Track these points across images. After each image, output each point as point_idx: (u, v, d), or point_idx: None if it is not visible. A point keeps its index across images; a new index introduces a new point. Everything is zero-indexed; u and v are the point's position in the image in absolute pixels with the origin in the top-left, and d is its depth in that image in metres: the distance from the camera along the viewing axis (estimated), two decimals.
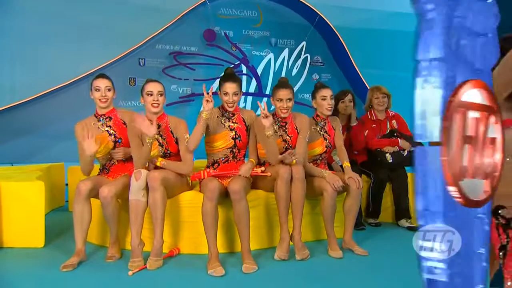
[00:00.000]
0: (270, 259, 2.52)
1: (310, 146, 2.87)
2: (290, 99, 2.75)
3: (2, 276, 2.28)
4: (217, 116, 2.74)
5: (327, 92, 2.88)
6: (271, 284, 2.20)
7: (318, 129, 2.94)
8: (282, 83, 2.81)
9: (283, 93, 2.73)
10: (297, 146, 2.75)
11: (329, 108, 2.89)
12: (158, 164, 2.62)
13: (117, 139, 2.71)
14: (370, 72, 6.66)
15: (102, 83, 2.67)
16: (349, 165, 2.84)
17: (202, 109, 2.53)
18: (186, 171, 2.66)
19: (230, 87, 2.67)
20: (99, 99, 2.68)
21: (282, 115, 2.76)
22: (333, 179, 2.65)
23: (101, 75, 2.76)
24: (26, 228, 2.76)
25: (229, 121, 2.75)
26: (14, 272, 2.37)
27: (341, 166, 2.93)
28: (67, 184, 4.13)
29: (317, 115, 2.96)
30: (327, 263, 2.51)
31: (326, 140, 2.93)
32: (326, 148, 2.93)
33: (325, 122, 2.96)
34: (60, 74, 5.43)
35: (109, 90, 2.69)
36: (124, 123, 2.72)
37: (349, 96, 3.49)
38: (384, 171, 3.35)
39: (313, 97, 2.96)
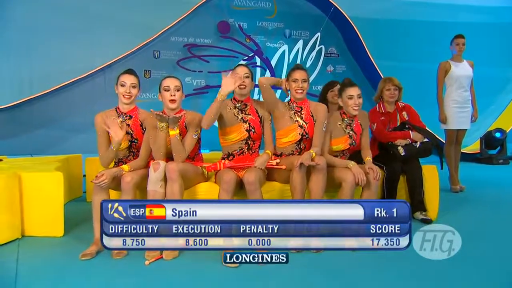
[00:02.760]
0: None
1: (334, 142, 2.85)
2: (305, 80, 2.75)
3: (23, 264, 2.35)
4: (230, 108, 2.74)
5: (354, 91, 2.81)
6: (286, 275, 2.21)
7: (344, 126, 2.89)
8: (297, 66, 2.85)
9: (299, 74, 2.75)
10: (314, 136, 2.75)
11: (355, 108, 2.82)
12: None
13: (133, 139, 2.70)
14: (385, 64, 6.55)
15: (128, 79, 2.66)
16: (371, 159, 2.83)
17: (220, 90, 2.55)
18: (180, 159, 2.60)
19: (240, 70, 2.72)
20: (123, 95, 2.66)
21: (297, 96, 2.76)
22: (358, 171, 2.62)
23: (129, 70, 2.73)
24: (45, 217, 2.81)
25: (242, 113, 2.75)
26: (35, 260, 2.42)
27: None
28: (84, 175, 4.19)
29: (344, 112, 2.91)
30: (341, 255, 2.49)
31: (351, 138, 2.88)
32: (349, 146, 2.89)
33: (352, 120, 2.90)
34: (76, 67, 5.51)
35: (134, 87, 2.67)
36: (141, 125, 2.71)
37: (338, 86, 3.43)
38: (397, 163, 3.29)
39: (340, 95, 2.90)
